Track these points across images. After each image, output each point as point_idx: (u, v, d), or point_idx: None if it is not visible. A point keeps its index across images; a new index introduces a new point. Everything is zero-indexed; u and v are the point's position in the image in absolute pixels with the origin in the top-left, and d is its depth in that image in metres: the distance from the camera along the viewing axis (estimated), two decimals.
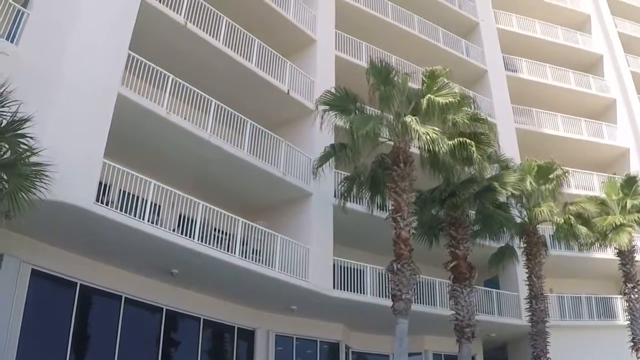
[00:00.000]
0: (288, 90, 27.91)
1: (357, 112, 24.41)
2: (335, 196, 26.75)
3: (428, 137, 22.23)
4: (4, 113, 14.47)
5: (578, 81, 43.63)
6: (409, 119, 22.93)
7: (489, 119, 26.54)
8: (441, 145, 22.46)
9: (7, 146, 14.60)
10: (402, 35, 36.56)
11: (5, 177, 14.38)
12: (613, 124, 42.78)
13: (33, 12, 19.66)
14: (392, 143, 24.12)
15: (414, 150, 24.35)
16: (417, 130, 22.49)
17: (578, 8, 49.05)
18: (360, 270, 27.50)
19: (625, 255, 30.22)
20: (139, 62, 21.19)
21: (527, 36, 44.20)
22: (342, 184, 26.17)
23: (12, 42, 18.76)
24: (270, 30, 29.26)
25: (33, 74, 18.29)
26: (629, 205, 31.00)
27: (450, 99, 23.67)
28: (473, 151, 23.21)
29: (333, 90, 24.96)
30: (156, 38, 23.18)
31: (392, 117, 24.41)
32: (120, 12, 21.32)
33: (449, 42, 38.91)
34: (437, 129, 22.96)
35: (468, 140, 23.52)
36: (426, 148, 22.93)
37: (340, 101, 24.63)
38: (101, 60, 19.98)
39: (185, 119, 22.49)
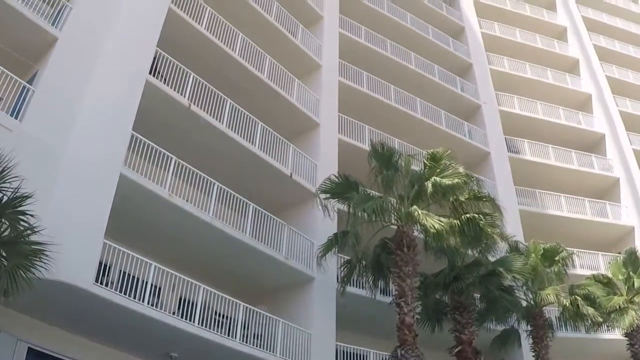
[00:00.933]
0: (291, 174, 27.93)
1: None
2: (337, 281, 26.39)
3: (434, 229, 22.29)
4: (5, 189, 14.44)
5: (581, 161, 43.53)
6: (415, 212, 22.87)
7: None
8: (449, 236, 22.49)
9: (7, 223, 14.51)
10: (404, 118, 36.85)
11: (4, 254, 14.25)
12: (617, 202, 42.46)
13: (39, 89, 19.94)
14: (395, 227, 24.03)
15: (417, 233, 24.24)
16: (424, 224, 22.52)
17: (579, 88, 49.44)
18: (363, 355, 26.89)
19: (633, 336, 29.60)
20: (142, 143, 21.39)
21: (529, 117, 44.37)
22: (343, 267, 25.90)
23: (16, 118, 18.98)
24: (273, 113, 29.59)
25: (36, 151, 18.54)
26: (637, 285, 30.55)
27: (455, 180, 23.73)
28: (482, 225, 23.14)
29: (333, 178, 25.02)
30: (160, 119, 23.48)
31: (395, 200, 24.37)
32: (125, 93, 21.73)
33: (452, 125, 39.14)
34: (443, 219, 22.98)
35: (477, 216, 23.51)
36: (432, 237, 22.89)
37: (341, 188, 24.66)
38: (105, 140, 20.27)
39: (187, 200, 22.59)
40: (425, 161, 25.17)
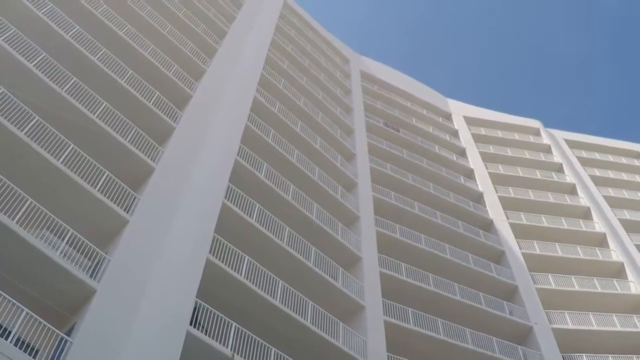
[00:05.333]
0: None
1: None
2: None
3: None
4: None
5: None
6: None
7: None
8: None
9: None
10: (453, 350, 36.36)
11: None
12: None
13: (77, 341, 20.29)
14: None
15: None
16: None
17: (629, 291, 48.63)
18: None
19: None
20: None
21: (583, 330, 43.34)
22: None
23: None
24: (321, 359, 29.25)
25: None
26: None
27: None
28: None
29: None
30: None
31: None
32: (165, 344, 22.05)
33: (504, 350, 38.34)
34: None
35: None
36: None
37: None
38: None
39: None
40: None
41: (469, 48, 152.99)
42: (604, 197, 61.77)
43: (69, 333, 21.08)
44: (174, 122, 33.59)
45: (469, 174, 60.21)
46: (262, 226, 31.60)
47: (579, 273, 49.01)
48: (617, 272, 50.92)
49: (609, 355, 41.61)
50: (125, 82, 32.66)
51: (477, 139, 67.85)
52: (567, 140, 73.36)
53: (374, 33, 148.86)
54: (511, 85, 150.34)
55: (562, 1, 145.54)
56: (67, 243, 23.52)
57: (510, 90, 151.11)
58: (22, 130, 24.64)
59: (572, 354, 40.99)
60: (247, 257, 28.65)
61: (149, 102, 33.05)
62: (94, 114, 28.86)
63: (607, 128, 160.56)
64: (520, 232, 52.40)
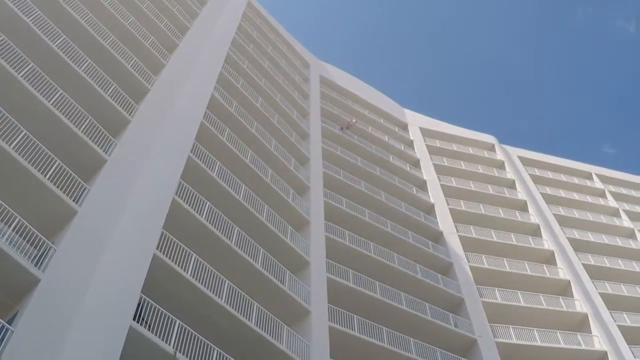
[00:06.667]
0: None
1: None
2: None
3: None
4: None
5: None
6: None
7: None
8: None
9: None
10: (398, 358, 36.24)
11: None
12: None
13: (18, 329, 19.95)
14: None
15: None
16: None
17: (574, 309, 49.41)
18: None
19: None
20: None
21: (527, 345, 43.83)
22: None
23: None
24: None
25: None
26: None
27: None
28: None
29: None
30: None
31: None
32: (107, 340, 21.61)
33: None
34: None
35: None
36: None
37: None
38: None
39: None
40: None
41: (430, 61, 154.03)
42: (554, 215, 62.78)
43: (10, 322, 20.67)
44: (130, 115, 33.23)
45: (422, 185, 60.51)
46: (212, 225, 31.34)
47: (526, 289, 49.55)
48: (563, 289, 51.71)
49: None
50: (83, 71, 32.24)
51: (432, 150, 68.27)
52: (520, 157, 74.27)
53: (336, 39, 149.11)
54: (469, 100, 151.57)
55: (524, 19, 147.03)
56: (13, 230, 23.14)
57: (468, 105, 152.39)
58: None
59: None
60: (194, 255, 28.40)
61: (106, 93, 32.65)
62: (49, 102, 28.42)
63: (562, 148, 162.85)
64: (470, 245, 52.83)
